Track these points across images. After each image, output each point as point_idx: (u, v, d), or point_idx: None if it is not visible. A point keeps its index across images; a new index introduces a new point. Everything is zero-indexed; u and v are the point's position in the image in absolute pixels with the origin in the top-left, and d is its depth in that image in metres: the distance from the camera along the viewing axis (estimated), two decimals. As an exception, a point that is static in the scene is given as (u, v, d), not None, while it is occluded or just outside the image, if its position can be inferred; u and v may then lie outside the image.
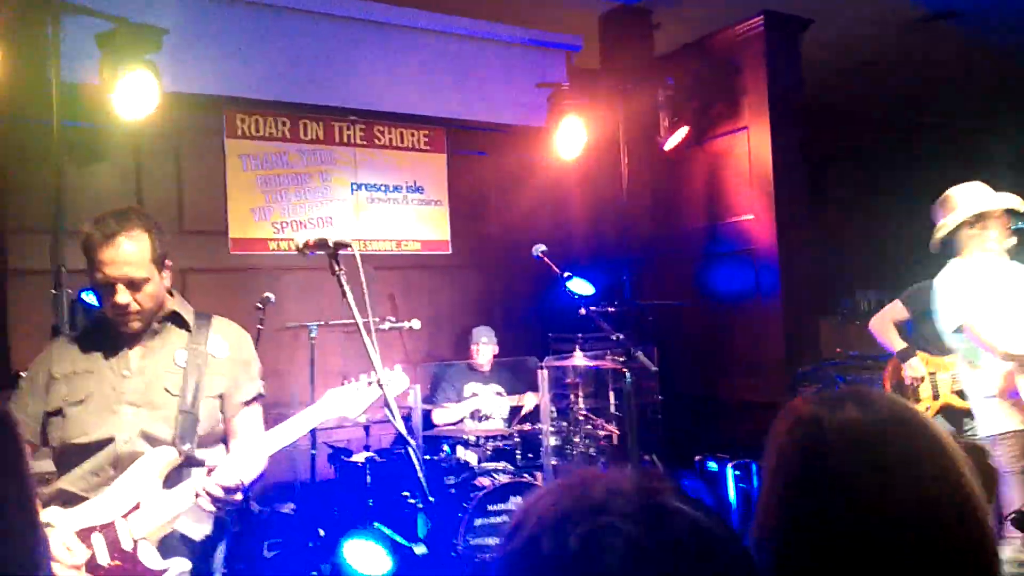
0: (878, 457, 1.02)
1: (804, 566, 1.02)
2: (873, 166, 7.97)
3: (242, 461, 2.15)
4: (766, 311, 5.51)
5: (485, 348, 5.26)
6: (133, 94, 3.98)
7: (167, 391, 2.22)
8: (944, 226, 3.43)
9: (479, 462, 4.63)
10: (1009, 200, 3.38)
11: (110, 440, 2.16)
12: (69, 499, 2.12)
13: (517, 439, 4.64)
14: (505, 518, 4.20)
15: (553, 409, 4.64)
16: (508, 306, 6.16)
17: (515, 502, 4.23)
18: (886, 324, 4.33)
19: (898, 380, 4.19)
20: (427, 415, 4.84)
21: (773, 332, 5.45)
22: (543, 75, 5.92)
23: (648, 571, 0.70)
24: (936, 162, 8.33)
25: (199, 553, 2.20)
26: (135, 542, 2.06)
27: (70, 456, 2.18)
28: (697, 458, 5.29)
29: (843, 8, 5.63)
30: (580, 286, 5.82)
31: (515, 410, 5.10)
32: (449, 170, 5.96)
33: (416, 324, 4.57)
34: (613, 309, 5.92)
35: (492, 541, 4.16)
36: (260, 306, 4.38)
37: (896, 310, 4.35)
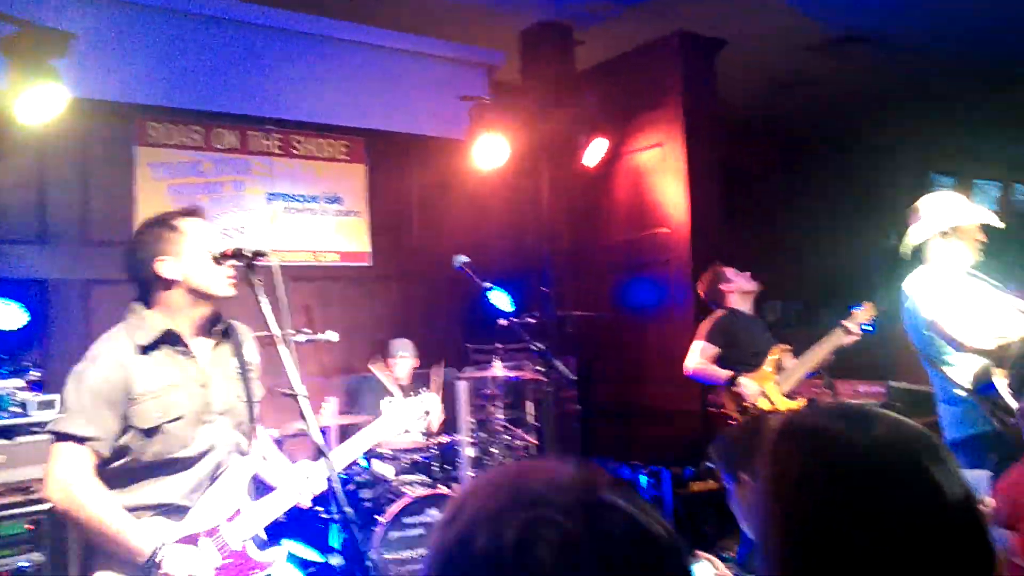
0: (910, 478, 0.97)
1: None
2: (785, 181, 8.27)
3: (344, 459, 2.59)
4: (681, 322, 5.64)
5: (403, 361, 5.23)
6: (37, 99, 3.84)
7: (239, 399, 2.35)
8: (917, 234, 3.41)
9: (396, 475, 4.59)
10: (983, 215, 3.39)
11: (210, 450, 2.27)
12: (174, 511, 2.21)
13: (434, 451, 4.63)
14: (421, 531, 4.18)
15: (472, 420, 4.64)
16: (429, 318, 6.14)
17: (432, 515, 4.21)
18: (703, 363, 4.54)
19: (740, 405, 4.37)
20: (344, 429, 4.78)
21: (687, 342, 5.58)
22: (465, 88, 5.95)
23: (582, 565, 0.70)
24: (844, 178, 8.73)
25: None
26: (243, 544, 2.27)
27: (164, 468, 2.21)
28: (611, 466, 5.37)
29: (756, 30, 5.86)
30: (500, 299, 5.87)
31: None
32: (369, 181, 5.91)
33: (333, 336, 4.48)
34: (533, 320, 5.97)
35: (408, 554, 4.13)
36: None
37: (707, 348, 4.58)
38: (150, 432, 2.17)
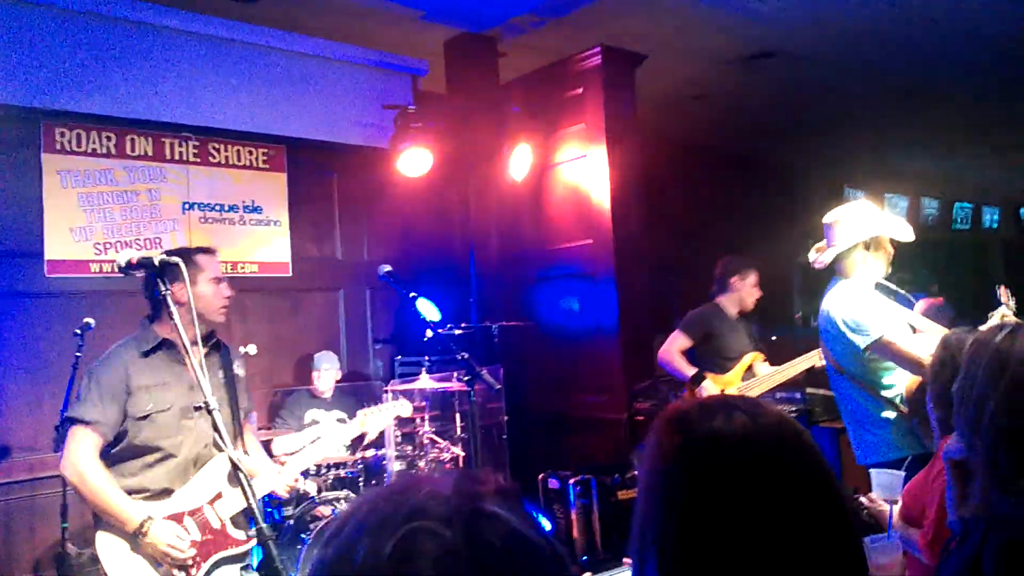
0: (779, 461, 1.03)
1: None
2: (703, 194, 8.47)
3: (295, 469, 3.00)
4: (606, 332, 5.70)
5: (327, 374, 5.13)
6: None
7: (223, 402, 2.70)
8: (842, 243, 3.24)
9: (319, 491, 4.48)
10: (903, 227, 3.30)
11: (193, 442, 2.70)
12: (159, 493, 2.64)
13: (360, 466, 4.54)
14: (347, 547, 4.09)
15: (398, 433, 4.57)
16: (354, 330, 6.04)
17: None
18: (674, 353, 4.68)
19: None
20: (265, 444, 4.65)
21: (612, 351, 5.65)
22: (389, 97, 5.90)
23: (462, 575, 0.70)
24: (761, 190, 9.00)
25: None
26: (222, 522, 2.68)
27: (154, 454, 2.64)
28: (540, 476, 5.37)
29: (673, 44, 5.99)
30: (427, 308, 5.82)
31: (358, 437, 4.98)
32: (290, 189, 5.79)
33: (252, 350, 4.40)
34: (460, 331, 5.95)
35: (333, 572, 4.03)
36: (79, 332, 4.07)
37: (680, 340, 4.72)
38: (142, 419, 2.63)
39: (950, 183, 12.37)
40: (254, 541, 2.69)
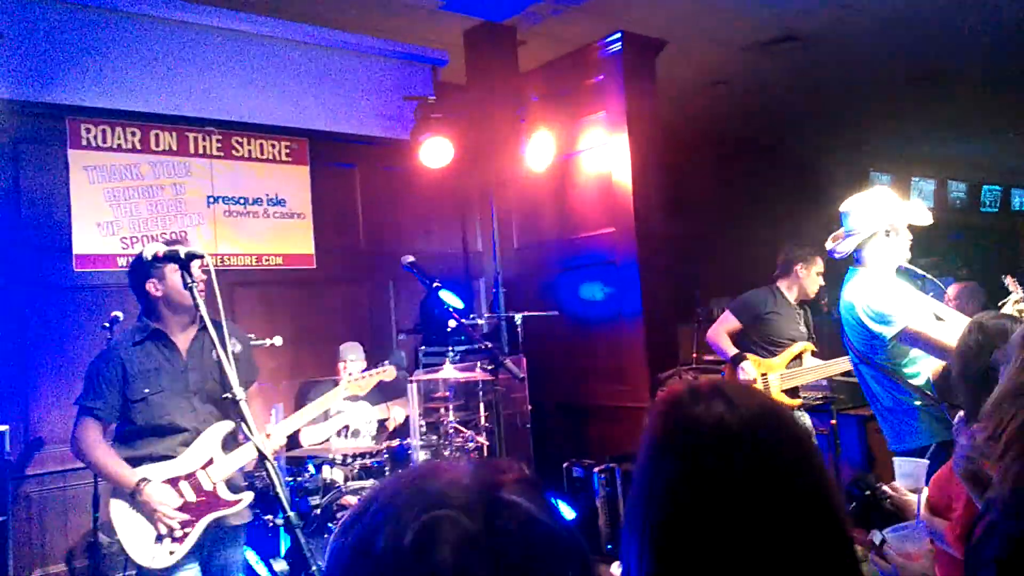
0: (753, 451, 1.05)
1: (682, 566, 1.03)
2: (726, 180, 8.40)
3: (280, 432, 3.19)
4: (628, 320, 5.69)
5: (353, 365, 5.14)
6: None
7: (216, 381, 2.96)
8: (862, 232, 3.21)
9: (346, 481, 4.52)
10: (919, 213, 3.25)
11: (188, 417, 3.00)
12: (159, 458, 2.95)
13: (385, 456, 4.56)
14: (374, 536, 4.12)
15: (422, 423, 4.60)
16: (378, 321, 6.07)
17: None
18: (720, 333, 4.75)
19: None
20: (292, 437, 4.69)
21: (635, 340, 5.64)
22: (410, 88, 5.91)
23: (480, 562, 0.70)
24: (785, 176, 8.91)
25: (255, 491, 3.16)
26: (214, 484, 2.96)
27: (153, 431, 2.96)
28: (564, 465, 5.38)
29: (694, 30, 5.94)
30: (450, 298, 5.84)
31: (383, 424, 5.01)
32: (313, 182, 5.81)
33: (278, 341, 4.43)
34: (483, 321, 5.97)
35: (360, 561, 4.07)
36: (107, 325, 4.13)
37: (729, 320, 4.78)
38: (139, 400, 2.94)
39: (977, 166, 12.18)
40: (246, 500, 3.04)
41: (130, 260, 3.05)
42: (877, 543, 2.08)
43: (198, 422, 3.03)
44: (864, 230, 3.21)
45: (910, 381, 3.11)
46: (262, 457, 2.16)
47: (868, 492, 2.57)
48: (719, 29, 6.02)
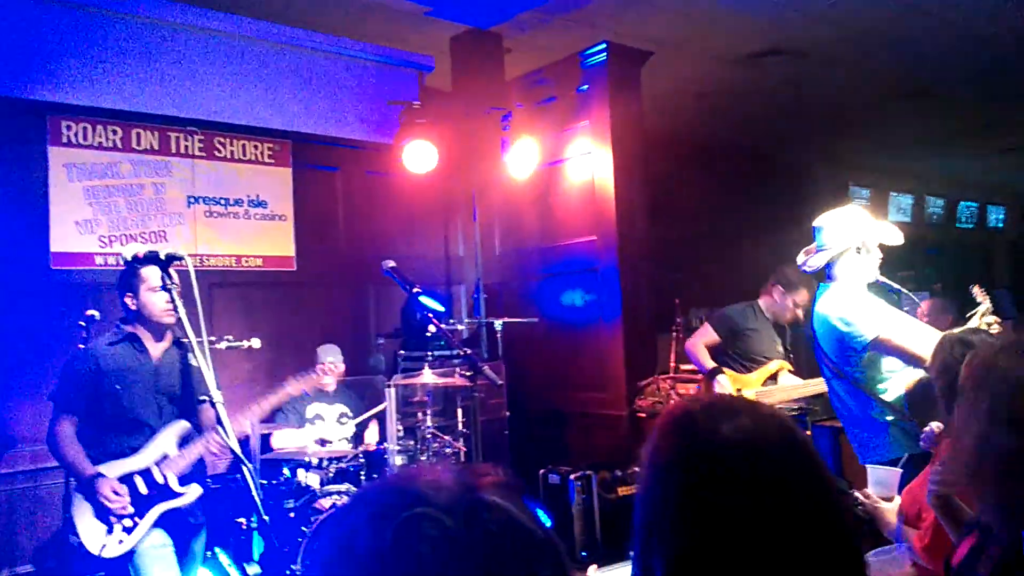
0: (768, 469, 1.04)
1: None
2: (708, 191, 8.46)
3: (250, 416, 3.44)
4: (608, 328, 5.72)
5: (330, 367, 5.14)
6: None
7: (179, 386, 3.23)
8: (833, 248, 3.26)
9: (321, 485, 4.50)
10: (890, 233, 3.29)
11: (153, 415, 3.23)
12: (119, 454, 3.17)
13: (362, 460, 4.55)
14: (348, 541, 4.11)
15: (400, 428, 4.59)
16: (357, 325, 6.06)
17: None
18: (699, 346, 4.77)
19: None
20: (265, 439, 4.67)
21: (615, 348, 5.67)
22: (395, 93, 5.91)
23: (460, 562, 0.72)
24: (765, 189, 8.99)
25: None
26: (164, 477, 3.16)
27: (120, 426, 3.18)
28: (541, 471, 5.39)
29: (681, 42, 5.99)
30: (430, 303, 5.83)
31: (359, 435, 5.00)
32: (295, 184, 5.80)
33: (256, 343, 4.39)
34: (463, 326, 5.98)
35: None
36: (83, 324, 4.09)
37: (708, 333, 4.81)
38: (108, 395, 3.16)
39: (955, 182, 12.35)
40: (193, 492, 3.25)
41: (118, 261, 3.42)
42: None
43: (163, 421, 3.26)
44: (836, 246, 3.25)
45: (882, 396, 3.14)
46: (239, 461, 2.17)
47: (857, 505, 2.60)
48: (706, 41, 6.07)
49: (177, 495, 3.21)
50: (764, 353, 4.72)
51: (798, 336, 5.08)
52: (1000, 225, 13.88)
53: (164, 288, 2.68)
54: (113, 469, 3.14)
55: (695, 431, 1.09)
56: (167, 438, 3.25)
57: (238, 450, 2.18)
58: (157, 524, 3.16)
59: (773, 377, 4.70)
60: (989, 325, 3.06)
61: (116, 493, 3.06)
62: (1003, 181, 12.82)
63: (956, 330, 2.54)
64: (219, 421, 2.36)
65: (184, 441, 3.27)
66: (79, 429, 3.21)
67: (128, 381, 3.21)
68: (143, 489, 3.15)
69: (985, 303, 3.16)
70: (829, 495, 1.07)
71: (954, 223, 12.82)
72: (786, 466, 1.06)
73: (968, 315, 3.14)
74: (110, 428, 3.20)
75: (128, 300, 3.22)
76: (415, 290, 3.42)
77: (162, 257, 2.66)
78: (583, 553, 5.05)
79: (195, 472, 3.31)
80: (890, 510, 2.42)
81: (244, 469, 2.19)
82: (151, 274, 3.15)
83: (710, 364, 4.66)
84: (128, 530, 3.09)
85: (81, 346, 3.76)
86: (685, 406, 1.14)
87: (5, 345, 4.63)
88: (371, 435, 5.00)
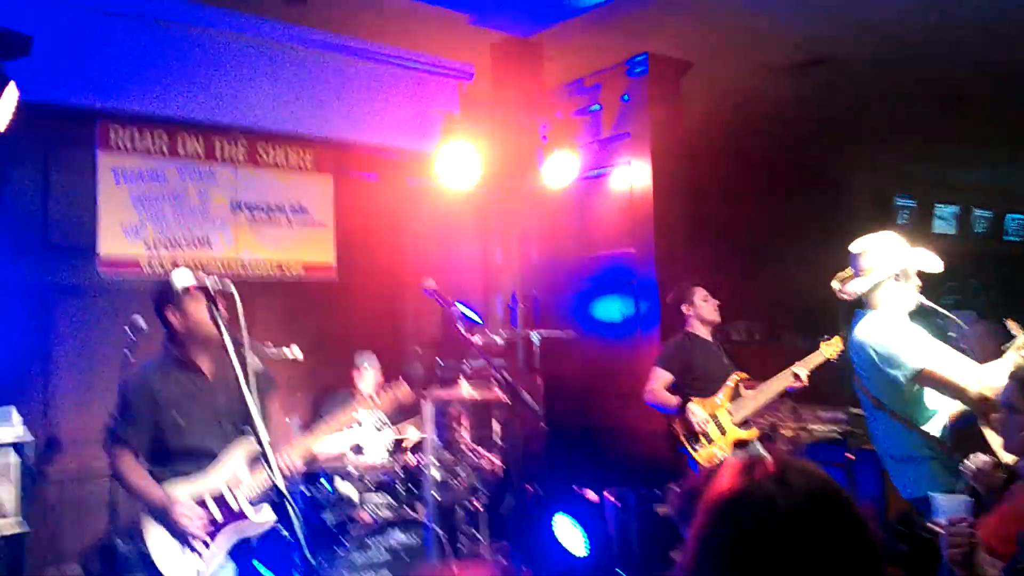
0: (822, 535, 1.06)
1: None
2: (748, 202, 8.36)
3: (298, 450, 3.23)
4: (646, 341, 5.67)
5: (367, 373, 5.17)
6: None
7: (240, 403, 2.75)
8: (870, 277, 3.22)
9: (359, 495, 4.53)
10: (929, 260, 3.25)
11: (218, 442, 3.11)
12: (186, 474, 3.06)
13: (399, 472, 4.57)
14: (387, 555, 4.13)
15: (437, 441, 4.59)
16: (395, 332, 6.08)
17: (396, 538, 4.16)
18: (657, 391, 4.73)
19: (688, 431, 4.54)
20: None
21: (652, 362, 5.61)
22: (435, 100, 5.93)
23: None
24: (807, 200, 8.86)
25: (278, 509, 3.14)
26: (238, 503, 3.07)
27: (186, 454, 3.08)
28: (576, 488, 5.36)
29: (722, 51, 5.92)
30: (469, 314, 5.84)
31: (399, 442, 5.02)
32: (336, 192, 5.84)
33: (297, 353, 4.43)
34: (501, 339, 5.96)
35: (372, 576, 4.07)
36: (130, 331, 4.15)
37: (660, 376, 4.76)
38: (169, 429, 3.06)
39: (1003, 193, 12.07)
40: (267, 521, 3.13)
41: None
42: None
43: (228, 445, 3.14)
44: (876, 273, 3.21)
45: (923, 428, 3.08)
46: (280, 496, 2.14)
47: (919, 531, 2.54)
48: (746, 51, 6.00)
49: (251, 522, 3.11)
50: (719, 372, 4.70)
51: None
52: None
53: (212, 319, 2.51)
54: (183, 490, 3.05)
55: (743, 510, 1.10)
56: (236, 457, 3.14)
57: (283, 486, 2.15)
58: (232, 557, 3.07)
59: (735, 390, 4.66)
60: None
61: (193, 514, 2.98)
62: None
63: None
64: (265, 459, 2.28)
65: (253, 462, 3.15)
66: (145, 451, 3.14)
67: (188, 411, 3.11)
68: (218, 514, 3.05)
69: (1020, 336, 3.08)
70: (872, 554, 1.09)
71: (1001, 235, 12.53)
72: (839, 535, 1.07)
73: (1004, 347, 3.06)
74: (172, 457, 3.11)
75: (172, 317, 3.12)
76: (454, 309, 3.42)
77: (211, 291, 2.54)
78: (619, 572, 5.02)
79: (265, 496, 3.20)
80: (978, 544, 2.34)
81: (289, 509, 2.15)
82: (198, 302, 2.97)
83: (674, 401, 4.64)
84: (204, 557, 2.99)
85: (131, 360, 3.73)
86: (735, 487, 1.13)
87: (54, 349, 4.72)
88: (412, 433, 4.99)
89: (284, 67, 5.44)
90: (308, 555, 2.07)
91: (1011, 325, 3.21)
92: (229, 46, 5.21)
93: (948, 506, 2.44)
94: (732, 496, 1.10)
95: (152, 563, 2.98)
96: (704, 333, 4.83)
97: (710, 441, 4.49)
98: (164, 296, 3.08)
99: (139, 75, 4.91)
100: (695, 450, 4.52)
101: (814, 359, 4.53)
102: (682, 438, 4.58)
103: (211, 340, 3.06)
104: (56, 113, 4.73)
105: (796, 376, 4.48)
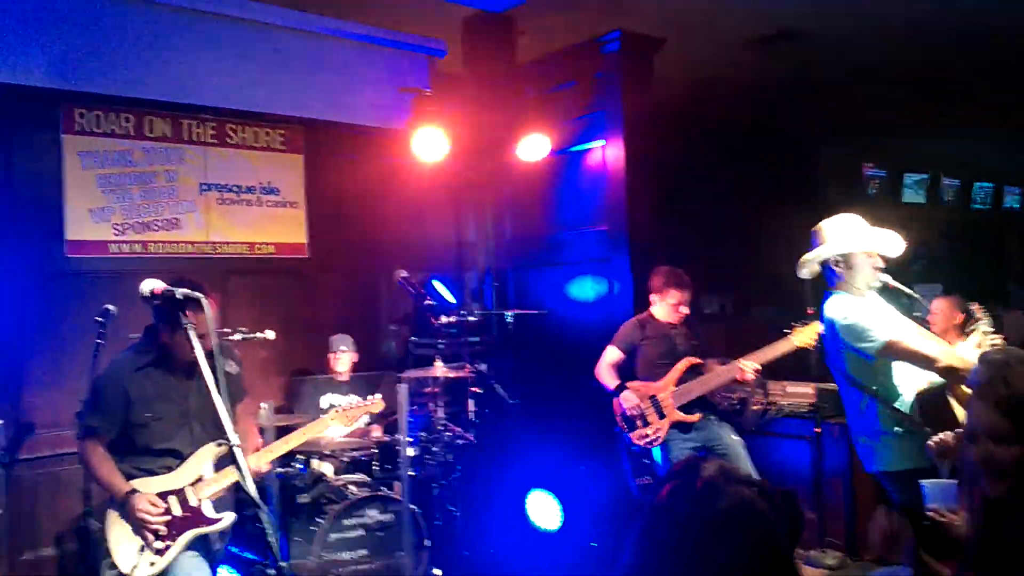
0: (733, 552, 1.12)
1: None
2: (720, 176, 8.41)
3: (266, 457, 3.32)
4: (619, 318, 5.70)
5: (344, 356, 5.19)
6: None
7: (214, 405, 2.71)
8: (808, 260, 3.37)
9: (335, 473, 4.57)
10: (889, 242, 3.30)
11: (185, 443, 3.13)
12: (152, 473, 3.09)
13: (374, 449, 4.61)
14: (362, 532, 4.18)
15: (411, 419, 4.63)
16: (369, 311, 6.09)
17: (371, 515, 4.20)
18: (603, 368, 4.86)
19: (623, 414, 4.65)
20: (281, 432, 4.72)
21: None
22: (406, 78, 5.88)
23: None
24: (778, 173, 8.92)
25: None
26: (199, 501, 3.08)
27: (153, 452, 3.09)
28: (550, 463, 5.43)
29: (694, 26, 5.91)
30: (443, 292, 5.86)
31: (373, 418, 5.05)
32: (306, 171, 5.80)
33: (270, 335, 4.43)
34: (474, 317, 5.99)
35: (348, 555, 4.12)
36: (100, 320, 4.13)
37: (610, 355, 4.86)
38: (139, 426, 3.07)
39: (970, 163, 12.21)
40: (228, 519, 3.15)
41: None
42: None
43: (194, 448, 3.16)
44: (834, 252, 3.28)
45: (894, 404, 3.15)
46: (254, 504, 2.15)
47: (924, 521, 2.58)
48: (719, 24, 5.99)
49: (210, 521, 3.12)
50: (669, 355, 4.70)
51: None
52: (1016, 206, 13.74)
53: (181, 327, 2.54)
54: (148, 485, 3.07)
55: (671, 524, 1.17)
56: (203, 459, 3.16)
57: (254, 493, 2.16)
58: (189, 547, 3.07)
59: (688, 373, 4.63)
60: (988, 343, 3.05)
61: (153, 505, 2.99)
62: (1021, 162, 12.66)
63: (996, 348, 2.54)
64: (236, 463, 2.28)
65: (220, 464, 3.16)
66: (110, 444, 3.14)
67: (159, 410, 3.12)
68: (177, 511, 3.06)
69: (984, 320, 3.15)
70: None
71: (969, 204, 12.70)
72: (751, 552, 1.12)
73: (968, 330, 3.14)
74: (139, 453, 3.13)
75: (199, 321, 2.86)
76: (427, 303, 3.45)
77: (179, 296, 2.59)
78: (593, 544, 5.11)
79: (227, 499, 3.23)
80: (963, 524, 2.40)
81: (261, 515, 2.17)
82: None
83: (615, 383, 4.73)
84: (159, 552, 3.00)
85: (101, 351, 3.72)
86: (664, 497, 1.20)
87: (23, 333, 4.69)
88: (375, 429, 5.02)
89: (252, 46, 5.35)
90: (277, 554, 2.09)
91: (976, 308, 3.29)
92: (196, 25, 5.12)
93: (935, 493, 2.50)
94: (659, 505, 1.15)
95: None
96: (665, 315, 4.82)
97: (646, 424, 4.56)
98: (164, 312, 2.95)
99: (104, 56, 4.82)
100: (629, 431, 4.61)
101: (776, 349, 4.42)
102: (618, 418, 4.68)
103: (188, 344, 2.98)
104: (19, 96, 4.64)
105: (742, 371, 4.42)
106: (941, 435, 2.69)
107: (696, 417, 4.55)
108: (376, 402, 3.84)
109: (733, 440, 4.56)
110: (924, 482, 2.55)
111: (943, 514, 2.46)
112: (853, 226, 3.33)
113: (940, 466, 2.64)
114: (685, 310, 4.79)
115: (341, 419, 3.67)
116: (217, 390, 2.32)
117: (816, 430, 4.87)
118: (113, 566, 2.98)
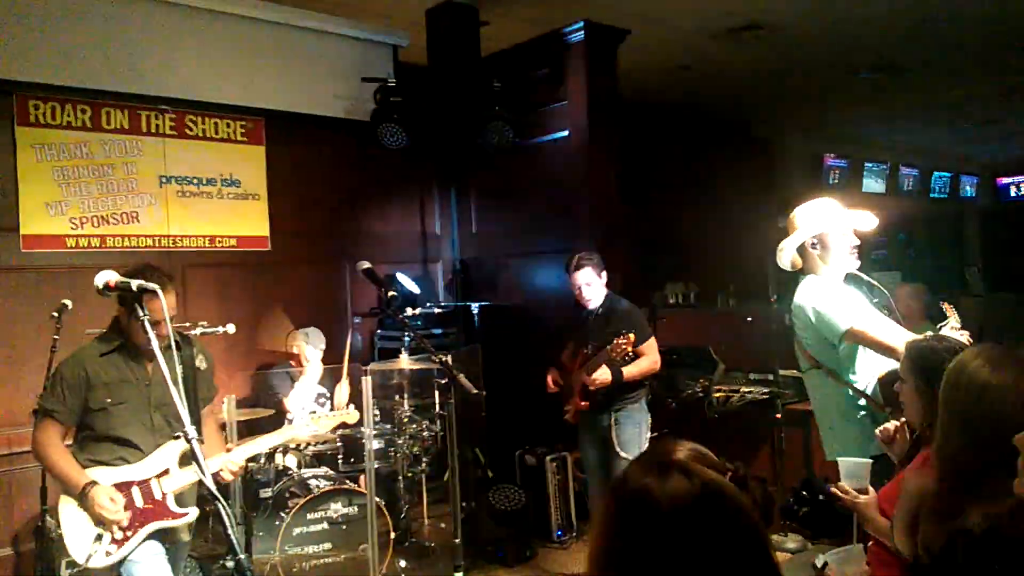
0: (703, 531, 1.09)
1: None
2: (683, 165, 8.48)
3: (240, 455, 3.26)
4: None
5: (311, 350, 5.15)
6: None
7: (178, 396, 2.57)
8: (786, 247, 3.36)
9: (299, 467, 4.55)
10: (862, 219, 3.30)
11: (145, 434, 3.07)
12: (113, 463, 3.02)
13: (339, 443, 4.59)
14: (326, 525, 4.16)
15: (377, 412, 4.62)
16: (333, 304, 6.05)
17: (335, 509, 4.19)
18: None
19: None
20: (244, 428, 4.68)
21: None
22: (369, 68, 5.83)
23: None
24: (741, 162, 9.02)
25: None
26: (164, 494, 3.03)
27: (111, 440, 3.02)
28: (517, 452, 5.46)
29: (659, 16, 5.94)
30: (408, 284, 5.84)
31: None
32: (269, 163, 5.74)
33: (231, 328, 4.39)
34: (441, 309, 5.99)
35: (312, 549, 4.11)
36: (56, 314, 4.07)
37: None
38: (99, 410, 3.00)
39: (929, 152, 12.44)
40: (192, 514, 3.09)
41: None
42: (820, 567, 2.17)
43: (154, 438, 3.09)
44: (799, 234, 3.30)
45: (857, 387, 3.19)
46: (213, 498, 2.12)
47: (820, 496, 2.62)
48: (685, 15, 6.03)
49: (174, 515, 3.05)
50: (586, 339, 4.60)
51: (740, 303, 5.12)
52: (973, 195, 14.03)
53: (137, 319, 2.43)
54: (109, 476, 2.99)
55: (630, 496, 1.15)
56: (169, 453, 3.08)
57: (213, 487, 2.13)
58: (150, 536, 3.00)
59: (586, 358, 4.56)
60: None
61: (112, 500, 2.91)
62: (978, 152, 12.93)
63: (921, 337, 2.58)
64: (195, 458, 2.23)
65: (186, 459, 3.07)
66: (66, 435, 3.07)
67: (119, 396, 3.04)
68: (139, 502, 2.99)
69: (953, 317, 3.21)
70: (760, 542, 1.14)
71: (928, 193, 12.94)
72: (723, 538, 1.11)
73: (938, 326, 3.19)
74: (98, 440, 3.04)
75: (155, 309, 2.65)
76: (390, 294, 3.43)
77: (134, 289, 2.49)
78: (559, 532, 5.15)
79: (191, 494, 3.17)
80: (870, 504, 2.44)
81: (220, 508, 2.13)
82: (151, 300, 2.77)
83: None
84: (117, 542, 2.93)
85: (56, 337, 3.73)
86: (630, 485, 1.18)
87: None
88: (340, 396, 4.98)
89: (212, 36, 5.28)
90: (238, 548, 2.07)
91: (945, 307, 3.35)
92: (154, 14, 5.04)
93: (849, 470, 2.54)
94: (623, 494, 1.15)
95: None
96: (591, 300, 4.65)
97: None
98: (127, 299, 2.81)
99: (59, 46, 4.73)
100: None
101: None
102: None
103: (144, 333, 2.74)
104: (-30, 87, 4.55)
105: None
106: (885, 424, 2.74)
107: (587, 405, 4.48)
108: (351, 412, 3.84)
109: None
110: (840, 460, 2.59)
111: (848, 491, 2.49)
112: (826, 208, 3.34)
113: (889, 453, 2.68)
114: (581, 293, 4.59)
115: (315, 422, 3.65)
116: (173, 380, 2.26)
117: (777, 416, 4.94)
118: (72, 564, 2.93)
